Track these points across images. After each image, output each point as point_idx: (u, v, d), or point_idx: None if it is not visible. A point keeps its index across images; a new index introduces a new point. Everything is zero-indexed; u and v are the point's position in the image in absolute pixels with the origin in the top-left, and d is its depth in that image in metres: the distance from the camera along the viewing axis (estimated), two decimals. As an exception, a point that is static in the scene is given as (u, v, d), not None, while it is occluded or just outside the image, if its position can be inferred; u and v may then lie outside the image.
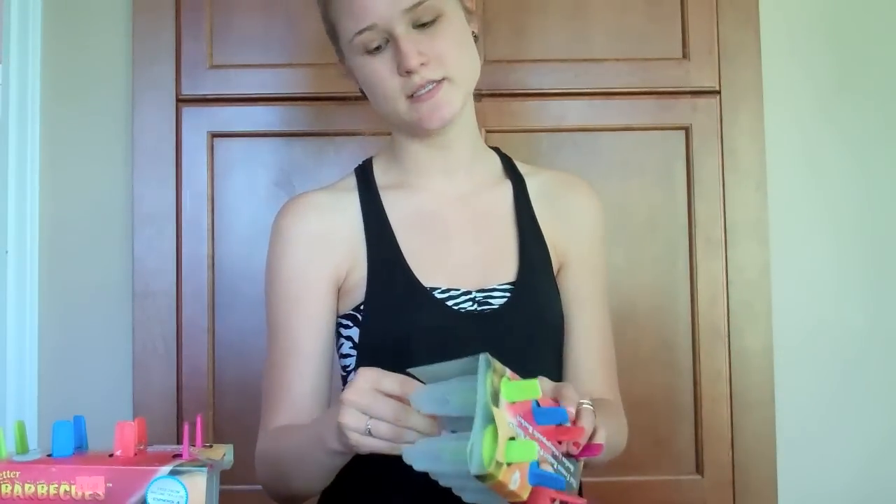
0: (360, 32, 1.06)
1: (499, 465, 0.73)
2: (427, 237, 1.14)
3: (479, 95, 1.79)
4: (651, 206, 1.85)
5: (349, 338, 1.13)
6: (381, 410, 0.84)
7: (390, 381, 0.85)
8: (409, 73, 1.05)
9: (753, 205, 1.85)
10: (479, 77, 1.14)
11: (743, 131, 1.85)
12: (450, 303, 1.10)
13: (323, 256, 1.13)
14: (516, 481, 0.76)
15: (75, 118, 1.93)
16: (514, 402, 0.77)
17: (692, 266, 1.84)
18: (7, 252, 1.89)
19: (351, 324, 1.13)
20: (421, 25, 1.06)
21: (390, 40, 1.06)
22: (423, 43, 1.06)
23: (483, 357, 0.77)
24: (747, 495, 1.81)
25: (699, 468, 1.82)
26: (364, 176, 1.19)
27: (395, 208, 1.15)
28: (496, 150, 1.25)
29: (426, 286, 1.10)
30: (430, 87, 1.07)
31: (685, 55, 1.86)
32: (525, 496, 0.77)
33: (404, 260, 1.11)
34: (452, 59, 1.07)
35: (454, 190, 1.17)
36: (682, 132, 1.85)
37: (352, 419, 0.85)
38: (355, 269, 1.13)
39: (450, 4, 1.09)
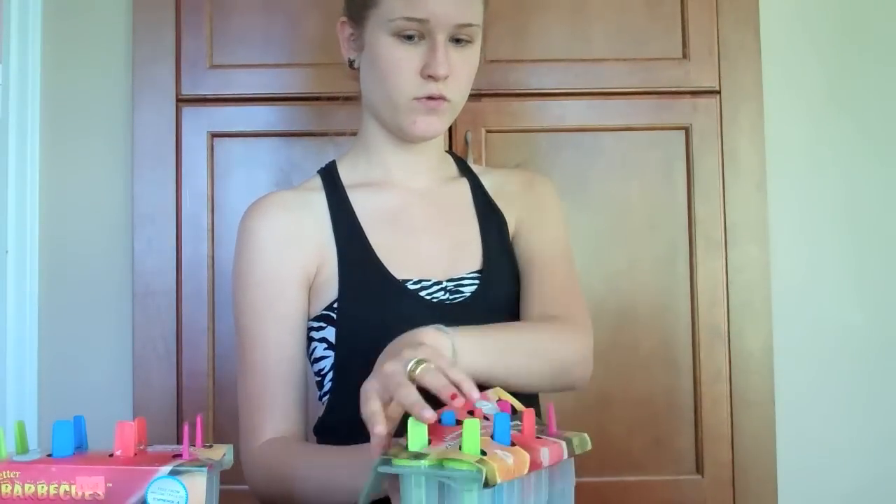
0: (410, 20, 1.08)
1: (483, 461, 0.73)
2: (395, 232, 1.16)
3: (479, 95, 1.82)
4: (651, 206, 1.85)
5: (323, 339, 1.13)
6: None
7: None
8: (431, 77, 1.09)
9: (753, 205, 1.85)
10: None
11: (743, 131, 1.85)
12: (423, 293, 1.11)
13: (292, 255, 1.13)
14: (508, 455, 0.76)
15: (75, 118, 1.93)
16: (429, 442, 0.78)
17: (692, 266, 1.84)
18: (7, 252, 1.89)
19: (324, 324, 1.12)
20: (455, 41, 1.10)
21: (426, 39, 1.09)
22: (452, 58, 1.10)
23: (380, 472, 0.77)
24: (747, 495, 1.81)
25: (699, 468, 1.82)
26: (329, 176, 1.20)
27: (362, 205, 1.17)
28: (452, 153, 1.30)
29: (399, 279, 1.11)
30: (437, 100, 1.11)
31: (685, 55, 1.86)
32: (525, 453, 0.77)
33: (375, 254, 1.12)
34: (463, 84, 1.13)
35: (418, 187, 1.20)
36: (682, 132, 1.85)
37: None
38: (324, 266, 1.13)
39: (479, 37, 1.14)
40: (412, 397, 0.81)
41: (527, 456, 0.77)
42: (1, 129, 1.90)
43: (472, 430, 0.75)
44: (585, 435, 0.85)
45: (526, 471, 0.77)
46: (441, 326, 0.96)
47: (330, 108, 1.82)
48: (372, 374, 0.88)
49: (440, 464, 0.74)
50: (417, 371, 0.85)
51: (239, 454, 1.12)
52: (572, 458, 0.84)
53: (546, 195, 1.26)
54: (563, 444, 0.82)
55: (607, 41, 1.86)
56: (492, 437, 0.79)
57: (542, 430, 0.86)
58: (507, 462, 0.75)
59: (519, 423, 0.83)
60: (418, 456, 0.75)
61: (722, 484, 1.81)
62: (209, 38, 1.84)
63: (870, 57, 1.96)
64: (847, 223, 1.94)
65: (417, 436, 0.78)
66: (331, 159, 1.25)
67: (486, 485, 0.72)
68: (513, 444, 0.78)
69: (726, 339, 1.83)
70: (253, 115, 1.84)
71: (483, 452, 0.75)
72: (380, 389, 0.85)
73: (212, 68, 1.84)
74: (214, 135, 1.84)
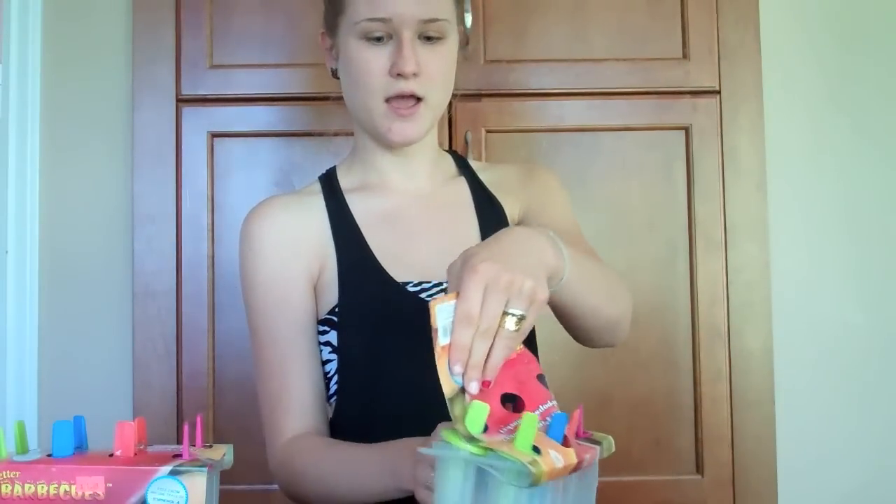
0: (372, 20, 1.07)
1: (535, 461, 0.72)
2: (394, 235, 1.15)
3: (479, 95, 1.82)
4: (651, 206, 1.85)
5: (327, 343, 1.13)
6: None
7: None
8: (400, 75, 1.08)
9: (753, 205, 1.85)
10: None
11: (743, 131, 1.85)
12: (423, 295, 1.11)
13: (295, 255, 1.13)
14: (559, 458, 0.74)
15: (75, 118, 1.93)
16: (486, 429, 0.76)
17: (692, 266, 1.84)
18: (7, 252, 1.89)
19: (328, 328, 1.13)
20: (426, 38, 1.09)
21: (394, 38, 1.08)
22: (422, 55, 1.09)
23: (441, 442, 0.76)
24: (747, 495, 1.81)
25: (699, 468, 1.82)
26: (328, 181, 1.20)
27: (361, 209, 1.17)
28: (452, 152, 1.29)
29: (398, 281, 1.11)
30: (412, 104, 1.09)
31: (685, 55, 1.86)
32: (574, 457, 0.76)
33: (374, 257, 1.12)
34: (439, 81, 1.11)
35: (415, 189, 1.19)
36: (682, 132, 1.85)
37: (427, 475, 0.85)
38: (325, 269, 1.14)
39: (453, 33, 1.12)
40: (493, 357, 0.79)
41: (575, 459, 0.76)
42: (1, 129, 1.90)
43: (529, 425, 0.74)
44: (611, 437, 0.85)
45: (568, 472, 0.76)
46: (558, 241, 0.90)
47: (330, 108, 1.82)
48: (485, 257, 0.81)
49: (489, 453, 0.73)
50: (504, 326, 0.80)
51: (266, 455, 1.12)
52: (597, 460, 0.83)
53: (549, 183, 1.26)
54: (598, 448, 0.82)
55: (607, 41, 1.86)
56: (546, 432, 0.78)
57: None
58: (557, 465, 0.74)
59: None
60: (471, 440, 0.74)
61: (722, 484, 1.81)
62: (209, 38, 1.84)
63: (869, 57, 1.96)
64: (847, 223, 1.94)
65: (477, 416, 0.75)
66: (330, 159, 1.26)
67: (532, 484, 0.71)
68: (565, 443, 0.77)
69: (726, 339, 1.83)
70: (253, 115, 1.84)
71: (536, 449, 0.73)
72: (479, 296, 0.80)
73: (212, 68, 1.84)
74: (214, 135, 1.84)
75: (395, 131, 1.11)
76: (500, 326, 0.80)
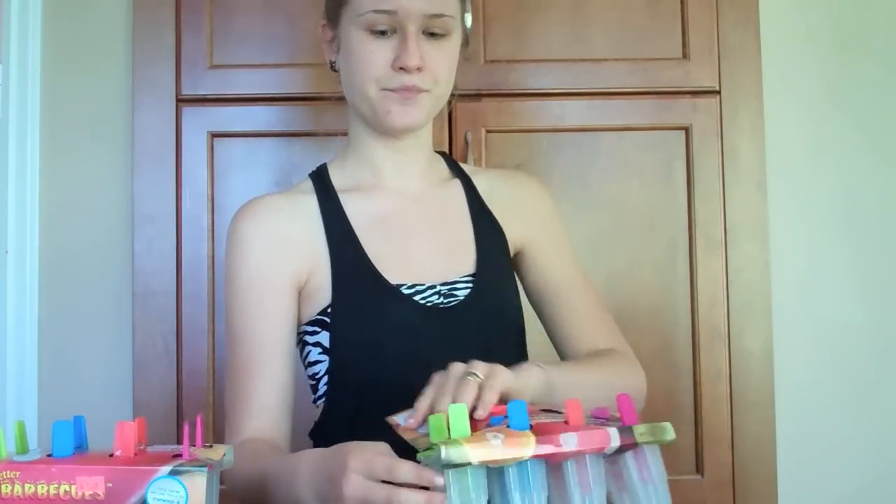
0: (378, 12, 1.08)
1: (450, 441, 0.77)
2: (388, 236, 1.15)
3: (479, 95, 1.82)
4: (651, 206, 1.85)
5: (317, 343, 1.12)
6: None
7: (406, 469, 0.80)
8: (403, 69, 1.08)
9: (753, 205, 1.85)
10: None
11: (743, 131, 1.85)
12: (417, 298, 1.11)
13: (282, 258, 1.13)
14: (497, 437, 0.78)
15: (75, 118, 1.93)
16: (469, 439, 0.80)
17: (692, 266, 1.84)
18: (7, 252, 1.89)
19: (319, 329, 1.12)
20: (430, 34, 1.10)
21: (398, 32, 1.09)
22: (426, 51, 1.09)
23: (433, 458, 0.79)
24: (747, 495, 1.81)
25: (699, 468, 1.82)
26: (321, 180, 1.20)
27: (355, 210, 1.16)
28: (443, 154, 1.29)
29: (392, 283, 1.11)
30: (411, 91, 1.10)
31: (685, 55, 1.86)
32: (530, 440, 0.79)
33: (368, 259, 1.12)
34: (441, 76, 1.12)
35: (410, 190, 1.19)
36: (682, 132, 1.85)
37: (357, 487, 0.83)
38: (317, 271, 1.13)
39: (457, 30, 1.13)
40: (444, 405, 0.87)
41: (532, 442, 0.78)
42: (1, 129, 1.90)
43: (456, 415, 0.79)
44: (666, 424, 0.83)
45: (528, 454, 0.78)
46: (538, 363, 1.00)
47: (330, 108, 1.82)
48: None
49: (426, 452, 0.78)
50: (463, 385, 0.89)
51: None
52: (656, 447, 0.83)
53: (545, 215, 1.25)
54: (613, 430, 0.81)
55: (607, 41, 1.86)
56: (508, 425, 0.81)
57: (615, 419, 0.85)
58: (492, 443, 0.76)
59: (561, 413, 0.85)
60: (430, 447, 0.78)
61: (722, 484, 1.81)
62: (209, 38, 1.84)
63: (869, 57, 1.96)
64: (847, 223, 1.94)
65: (458, 419, 0.80)
66: (329, 160, 1.25)
67: (455, 464, 0.75)
68: (532, 430, 0.80)
69: (726, 339, 1.83)
70: (253, 115, 1.84)
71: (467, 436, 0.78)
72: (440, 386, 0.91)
73: (212, 68, 1.84)
74: (214, 135, 1.84)
75: (394, 114, 1.11)
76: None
